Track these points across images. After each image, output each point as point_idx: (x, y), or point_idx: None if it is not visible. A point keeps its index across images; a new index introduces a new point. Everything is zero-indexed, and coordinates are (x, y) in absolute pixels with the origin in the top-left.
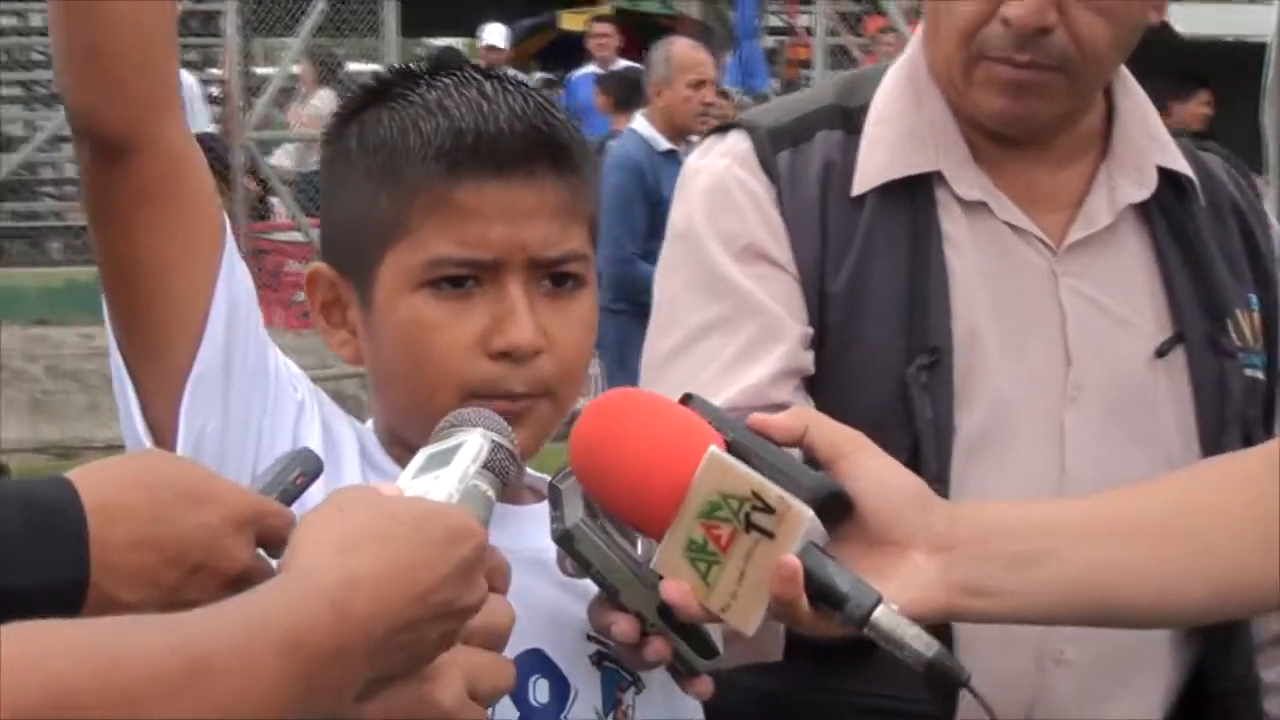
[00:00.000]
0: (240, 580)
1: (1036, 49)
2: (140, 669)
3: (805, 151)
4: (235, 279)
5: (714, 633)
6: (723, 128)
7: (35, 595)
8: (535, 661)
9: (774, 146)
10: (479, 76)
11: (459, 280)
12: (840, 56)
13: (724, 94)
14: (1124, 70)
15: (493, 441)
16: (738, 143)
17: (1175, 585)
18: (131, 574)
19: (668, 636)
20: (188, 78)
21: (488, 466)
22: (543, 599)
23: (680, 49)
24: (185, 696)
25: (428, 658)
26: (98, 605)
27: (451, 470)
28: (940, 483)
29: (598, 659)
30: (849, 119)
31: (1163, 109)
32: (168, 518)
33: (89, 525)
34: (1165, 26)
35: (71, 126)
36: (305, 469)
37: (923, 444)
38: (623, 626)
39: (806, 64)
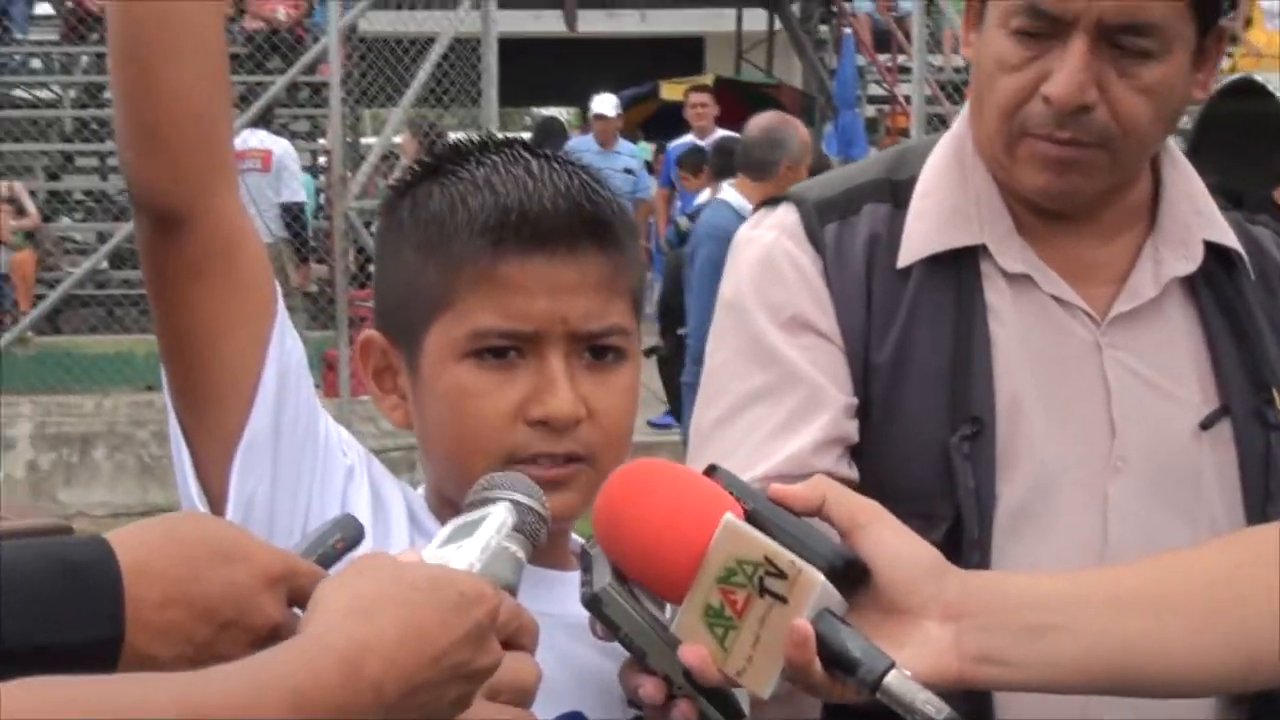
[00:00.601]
0: (272, 637)
1: (1077, 126)
2: None
3: (852, 224)
4: (286, 348)
5: (741, 696)
6: (773, 200)
7: (72, 653)
8: None
9: (821, 219)
10: (527, 154)
11: (501, 351)
12: (940, 125)
13: (823, 165)
14: (1170, 144)
15: (522, 505)
16: (786, 215)
17: (1201, 657)
18: (164, 630)
19: (694, 699)
20: (286, 145)
21: (517, 529)
22: (584, 663)
23: (805, 131)
24: None
25: (445, 719)
26: (132, 662)
27: (474, 541)
28: (982, 552)
29: None
30: (896, 192)
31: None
32: (199, 575)
33: (124, 584)
34: (1268, 95)
35: (131, 199)
36: (345, 535)
37: (964, 513)
38: (649, 689)
39: (906, 133)
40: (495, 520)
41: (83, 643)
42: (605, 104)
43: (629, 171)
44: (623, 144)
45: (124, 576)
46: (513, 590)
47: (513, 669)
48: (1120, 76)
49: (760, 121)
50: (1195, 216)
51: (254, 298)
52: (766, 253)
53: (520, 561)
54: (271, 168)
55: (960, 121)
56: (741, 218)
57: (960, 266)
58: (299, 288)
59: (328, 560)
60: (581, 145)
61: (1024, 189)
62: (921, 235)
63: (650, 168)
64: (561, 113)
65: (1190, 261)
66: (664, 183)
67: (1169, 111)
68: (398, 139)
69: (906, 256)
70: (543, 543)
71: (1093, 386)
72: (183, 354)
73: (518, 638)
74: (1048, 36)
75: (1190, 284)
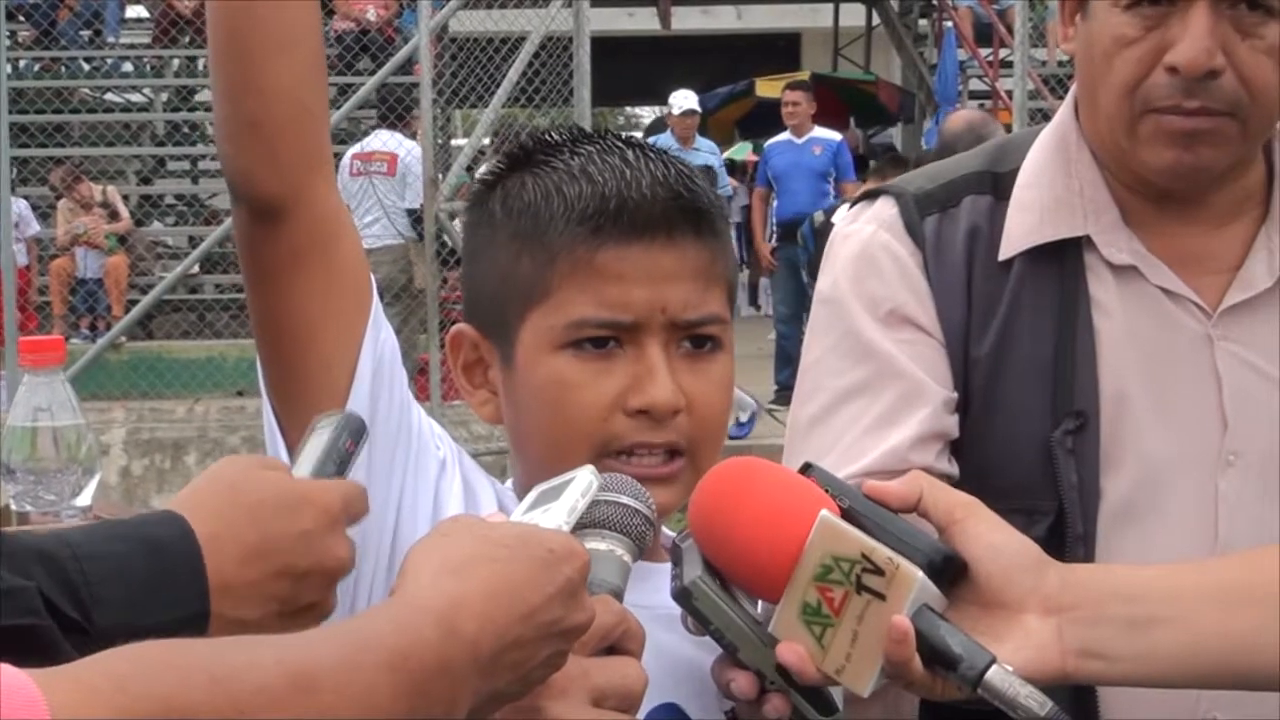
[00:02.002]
0: (345, 571)
1: (1206, 94)
2: (249, 683)
3: (952, 216)
4: (380, 339)
5: (834, 691)
6: (871, 193)
7: (164, 631)
8: (669, 716)
9: (921, 212)
10: (620, 144)
11: (600, 341)
12: (1043, 121)
13: (927, 158)
14: None
15: (629, 508)
16: (885, 208)
17: None
18: (247, 595)
19: (787, 694)
20: (413, 149)
21: (624, 532)
22: (679, 655)
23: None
24: (292, 710)
25: (539, 678)
26: (221, 630)
27: (561, 504)
28: (1086, 548)
29: (733, 716)
30: (998, 184)
31: None
32: (270, 533)
33: (204, 557)
34: None
35: (230, 190)
36: (351, 434)
37: (1067, 509)
38: (741, 683)
39: (1009, 129)
40: (580, 484)
41: (173, 621)
42: (683, 100)
43: (707, 169)
44: (701, 141)
45: (203, 546)
46: (618, 595)
47: (620, 674)
48: (1244, 38)
49: (963, 116)
50: None
51: (350, 289)
52: (865, 246)
53: (627, 566)
54: (396, 172)
55: (1063, 111)
56: None
57: (1063, 259)
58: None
59: (345, 465)
60: (660, 143)
61: (1149, 169)
62: (1024, 227)
63: (732, 166)
64: (655, 111)
65: None
66: (761, 181)
67: None
68: (489, 140)
69: (1008, 248)
70: (649, 546)
71: (1203, 380)
72: (280, 347)
73: (624, 643)
74: (1164, 5)
75: None
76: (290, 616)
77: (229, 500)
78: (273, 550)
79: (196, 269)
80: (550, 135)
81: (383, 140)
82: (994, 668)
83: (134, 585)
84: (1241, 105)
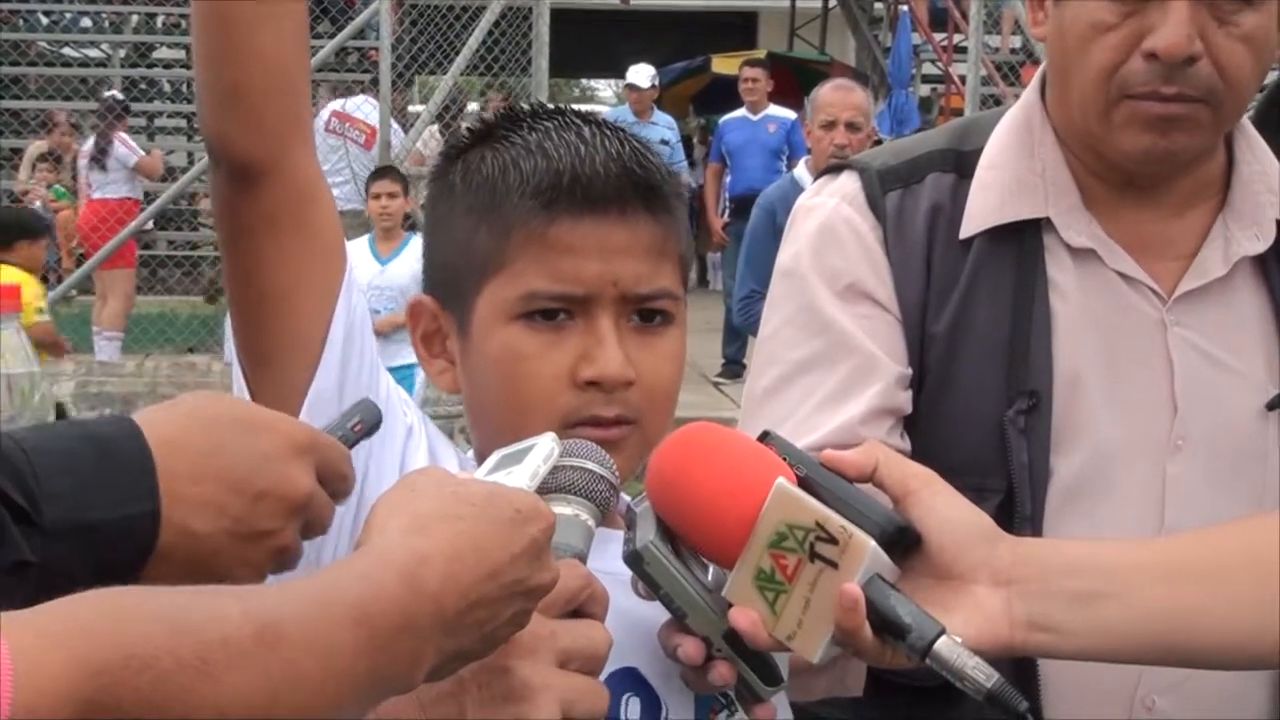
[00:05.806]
0: (305, 507)
1: (1183, 80)
2: (214, 633)
3: (915, 193)
4: (352, 304)
5: (780, 660)
6: (835, 168)
7: (114, 528)
8: (628, 679)
9: (883, 187)
10: (578, 121)
11: (551, 312)
12: (994, 106)
13: (877, 142)
14: (1245, 122)
15: (594, 473)
16: (848, 183)
17: (1246, 630)
18: (199, 505)
19: (733, 661)
20: (396, 131)
21: (589, 497)
22: (639, 618)
23: (822, 90)
24: (256, 662)
25: (502, 637)
26: (172, 538)
27: (523, 468)
28: (1034, 527)
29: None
30: (962, 162)
31: None
32: (226, 447)
33: (154, 458)
34: None
35: (208, 152)
36: (365, 418)
37: (1017, 488)
38: (688, 649)
39: (961, 113)
40: (542, 450)
41: (123, 518)
42: (640, 75)
43: (665, 143)
44: (658, 115)
45: (153, 450)
46: (583, 558)
47: (586, 636)
48: (1221, 26)
49: None
50: (1268, 195)
51: (325, 253)
52: (827, 220)
53: (590, 530)
54: (374, 148)
55: (1029, 93)
56: (800, 188)
57: (1023, 239)
58: None
59: (348, 441)
60: (617, 116)
61: (1122, 153)
62: (985, 206)
63: (689, 142)
64: (611, 84)
65: (1262, 240)
66: (715, 157)
67: (1265, 64)
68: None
69: (969, 227)
70: (612, 511)
71: (1156, 364)
72: (254, 309)
73: (588, 606)
74: None
75: (1261, 263)
76: (245, 540)
77: (186, 413)
78: (226, 463)
79: (150, 225)
80: (514, 110)
81: (365, 112)
82: (942, 639)
83: (82, 479)
84: (1216, 92)
